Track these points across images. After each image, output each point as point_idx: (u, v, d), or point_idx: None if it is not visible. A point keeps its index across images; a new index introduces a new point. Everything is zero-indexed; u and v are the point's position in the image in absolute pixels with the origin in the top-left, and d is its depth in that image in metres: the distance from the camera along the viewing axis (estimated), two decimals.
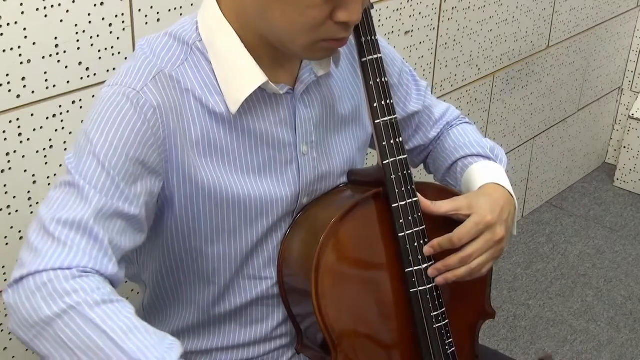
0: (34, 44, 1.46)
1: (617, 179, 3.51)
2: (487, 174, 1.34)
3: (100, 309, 0.98)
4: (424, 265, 1.23)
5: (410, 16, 2.24)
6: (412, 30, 2.28)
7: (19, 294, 1.01)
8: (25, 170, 1.53)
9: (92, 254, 1.03)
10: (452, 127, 1.46)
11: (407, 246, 1.22)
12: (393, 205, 1.21)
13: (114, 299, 1.01)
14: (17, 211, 1.55)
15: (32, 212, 1.57)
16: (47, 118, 1.53)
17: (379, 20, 2.15)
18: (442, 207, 1.25)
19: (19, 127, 1.49)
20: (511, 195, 1.32)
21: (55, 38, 1.48)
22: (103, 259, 1.04)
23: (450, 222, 1.25)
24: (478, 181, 1.34)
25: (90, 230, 1.04)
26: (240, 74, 1.14)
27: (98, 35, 1.55)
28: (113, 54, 1.58)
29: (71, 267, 1.01)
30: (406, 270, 1.23)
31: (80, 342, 0.97)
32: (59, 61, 1.51)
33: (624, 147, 3.45)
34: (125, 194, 1.08)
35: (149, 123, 1.09)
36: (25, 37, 1.44)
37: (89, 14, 1.52)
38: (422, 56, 2.35)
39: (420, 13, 2.27)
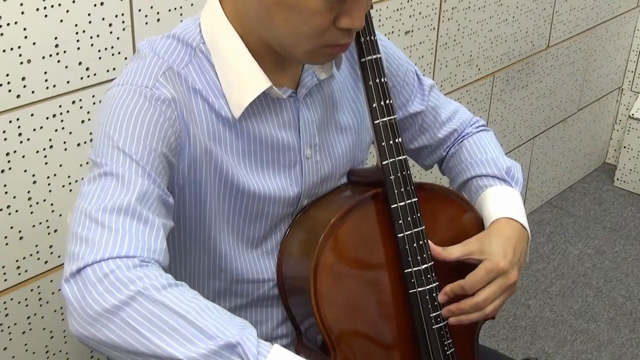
0: (34, 44, 1.46)
1: (617, 179, 3.51)
2: (501, 205, 1.33)
3: (168, 291, 0.96)
4: (424, 266, 1.23)
5: (410, 16, 2.24)
6: (412, 30, 2.28)
7: (78, 287, 0.97)
8: (25, 170, 1.53)
9: (144, 238, 1.01)
10: (469, 136, 1.44)
11: (407, 247, 1.22)
12: (392, 206, 1.21)
13: (178, 283, 0.99)
14: (17, 211, 1.55)
15: (32, 212, 1.57)
16: (47, 118, 1.53)
17: (379, 20, 2.15)
18: (454, 253, 1.26)
19: (19, 127, 1.49)
20: (524, 227, 1.31)
21: (55, 38, 1.48)
22: (156, 242, 1.02)
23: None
24: (491, 212, 1.32)
25: (140, 213, 1.02)
26: (243, 79, 1.14)
27: (98, 35, 1.55)
28: (113, 54, 1.58)
29: (129, 256, 0.98)
30: (405, 271, 1.23)
31: (151, 325, 0.94)
32: (59, 61, 1.51)
33: (624, 147, 3.45)
34: (157, 182, 1.06)
35: (165, 115, 1.08)
36: (25, 37, 1.44)
37: (89, 14, 1.52)
38: (422, 56, 2.35)
39: (420, 13, 2.27)
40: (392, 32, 2.21)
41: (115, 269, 0.96)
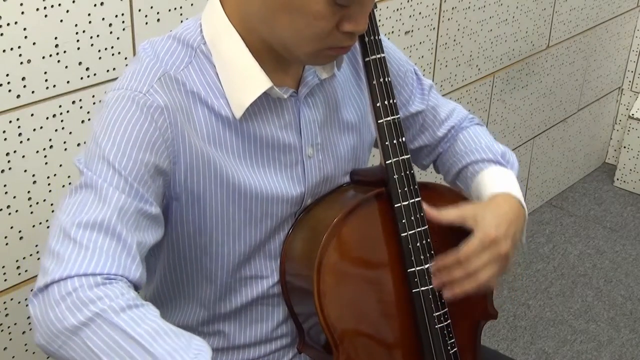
0: (34, 44, 1.45)
1: (617, 179, 3.51)
2: (498, 182, 1.33)
3: (126, 314, 0.97)
4: (427, 266, 1.23)
5: (410, 16, 2.24)
6: (412, 30, 2.27)
7: (43, 303, 0.99)
8: (25, 170, 1.53)
9: (115, 256, 1.02)
10: (463, 130, 1.44)
11: (410, 246, 1.22)
12: (396, 205, 1.21)
13: (139, 303, 1.00)
14: (17, 211, 1.55)
15: (32, 212, 1.57)
16: (47, 118, 1.52)
17: (379, 20, 2.15)
18: (448, 215, 1.25)
19: (19, 127, 1.49)
20: (521, 204, 1.31)
21: (55, 38, 1.48)
22: (127, 260, 1.03)
23: (458, 232, 1.25)
24: (488, 189, 1.32)
25: (113, 230, 1.03)
26: (244, 79, 1.13)
27: (98, 35, 1.54)
28: (113, 54, 1.58)
29: (95, 274, 1.00)
30: (408, 270, 1.23)
31: (108, 349, 0.96)
32: (59, 61, 1.50)
33: (624, 147, 3.45)
34: (140, 194, 1.07)
35: (157, 124, 1.09)
36: (25, 37, 1.44)
37: (89, 14, 1.51)
38: (422, 56, 2.35)
39: (420, 13, 2.27)
40: (392, 32, 2.21)
41: (78, 288, 0.98)
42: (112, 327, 0.96)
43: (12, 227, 1.55)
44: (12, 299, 1.60)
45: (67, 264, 1.00)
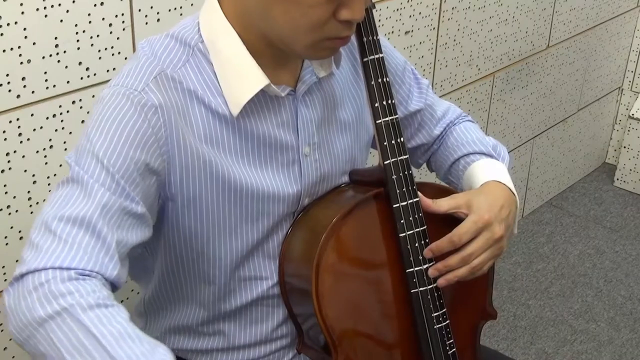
0: (34, 44, 1.46)
1: (617, 179, 3.51)
2: (489, 172, 1.35)
3: (94, 312, 0.96)
4: (425, 266, 1.23)
5: (410, 16, 2.24)
6: (412, 30, 2.27)
7: (17, 292, 1.00)
8: (25, 170, 1.53)
9: (93, 252, 1.02)
10: (455, 125, 1.46)
11: (408, 247, 1.22)
12: (394, 206, 1.21)
13: (109, 303, 0.99)
14: (17, 211, 1.55)
15: (32, 212, 1.57)
16: (47, 118, 1.53)
17: (379, 20, 2.15)
18: (442, 205, 1.25)
19: (19, 127, 1.49)
20: (513, 193, 1.32)
21: (55, 38, 1.48)
22: (104, 257, 1.03)
23: (450, 222, 1.25)
24: (480, 179, 1.34)
25: (94, 226, 1.03)
26: (241, 77, 1.14)
27: (98, 35, 1.54)
28: (113, 54, 1.58)
29: (70, 268, 1.00)
30: (407, 270, 1.23)
31: (70, 345, 0.95)
32: (59, 61, 1.50)
33: (624, 147, 3.45)
34: (126, 192, 1.07)
35: (150, 122, 1.09)
36: (25, 37, 1.44)
37: (89, 14, 1.52)
38: (422, 56, 2.35)
39: (420, 13, 2.27)
40: (392, 32, 2.21)
41: (50, 279, 0.98)
42: (77, 324, 0.95)
43: (12, 227, 1.55)
44: None
45: (43, 256, 1.00)
